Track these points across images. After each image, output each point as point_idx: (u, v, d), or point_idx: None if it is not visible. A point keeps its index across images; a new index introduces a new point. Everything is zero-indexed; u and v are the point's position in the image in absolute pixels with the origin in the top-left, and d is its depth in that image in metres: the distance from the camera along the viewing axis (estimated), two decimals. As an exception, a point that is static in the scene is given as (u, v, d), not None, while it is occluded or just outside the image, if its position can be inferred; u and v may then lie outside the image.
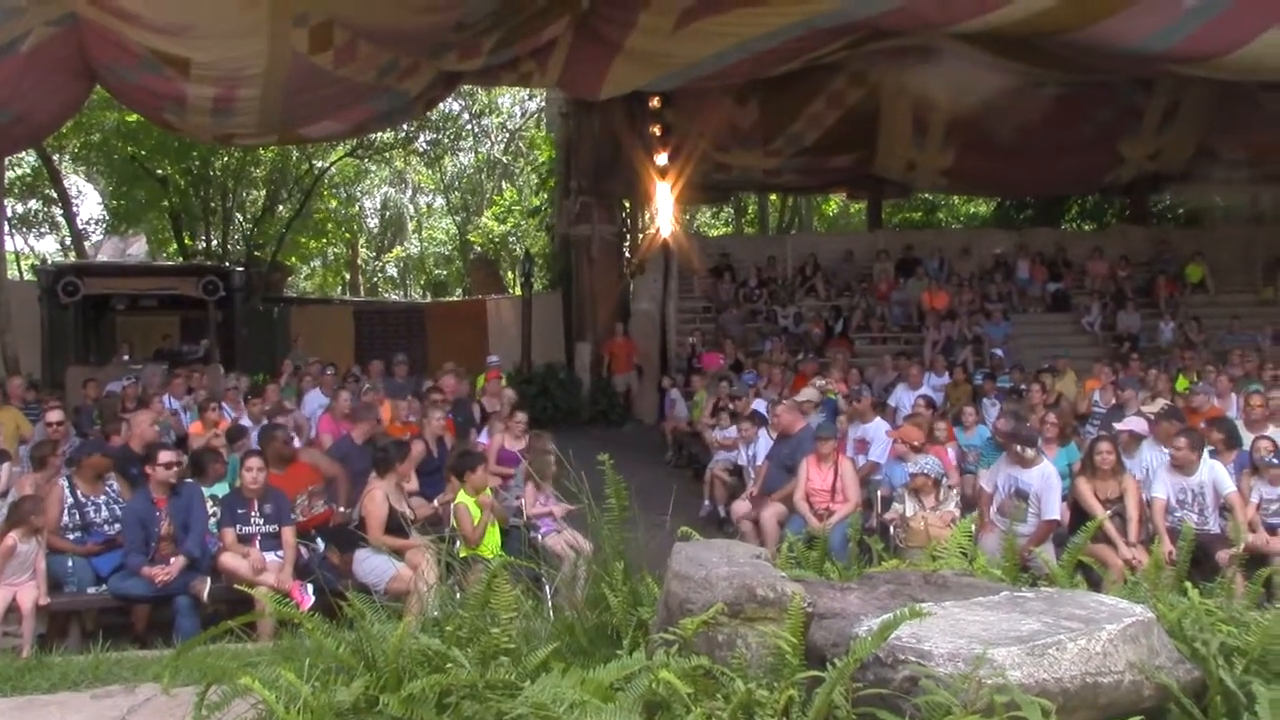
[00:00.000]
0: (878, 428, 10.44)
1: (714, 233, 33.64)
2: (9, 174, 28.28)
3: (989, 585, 4.06)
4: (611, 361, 19.31)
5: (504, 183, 40.25)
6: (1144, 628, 3.36)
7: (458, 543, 7.14)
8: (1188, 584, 4.04)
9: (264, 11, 12.12)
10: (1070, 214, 29.44)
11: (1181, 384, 13.23)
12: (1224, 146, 21.65)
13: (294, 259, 35.69)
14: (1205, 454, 8.22)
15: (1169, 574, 4.72)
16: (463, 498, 7.64)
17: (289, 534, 7.54)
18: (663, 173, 19.36)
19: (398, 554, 7.28)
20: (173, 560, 7.13)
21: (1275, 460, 8.18)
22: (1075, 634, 3.23)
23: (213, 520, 7.68)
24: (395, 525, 7.46)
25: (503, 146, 40.04)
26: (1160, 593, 4.09)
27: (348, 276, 42.45)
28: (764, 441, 10.55)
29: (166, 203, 28.81)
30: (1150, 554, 5.82)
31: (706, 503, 11.44)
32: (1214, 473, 8.07)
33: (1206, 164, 22.33)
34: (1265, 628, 3.58)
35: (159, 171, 27.56)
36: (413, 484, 8.81)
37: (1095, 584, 5.25)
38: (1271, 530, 7.83)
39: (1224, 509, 8.00)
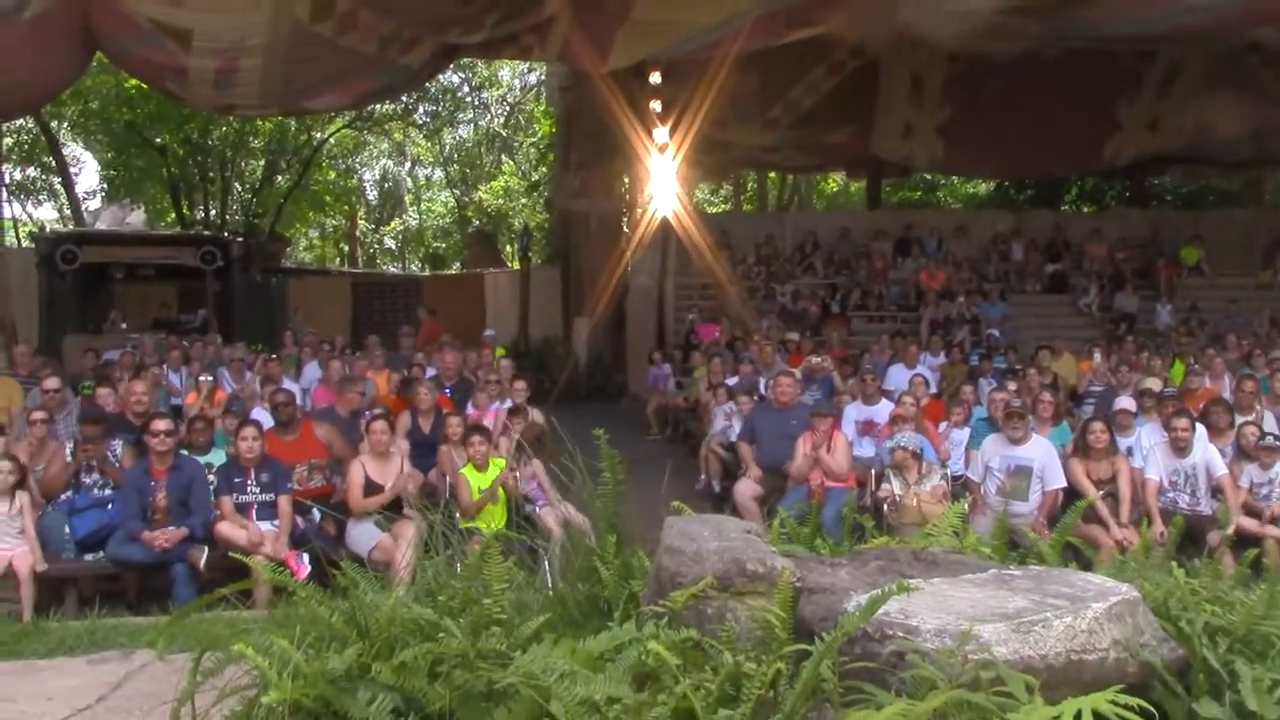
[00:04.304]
0: (884, 409, 10.24)
1: (712, 210, 33.53)
2: (6, 140, 28.21)
3: (978, 563, 4.09)
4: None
5: (503, 156, 40.09)
6: (1129, 606, 3.39)
7: (457, 514, 7.20)
8: (1174, 564, 4.06)
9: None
10: (1070, 195, 29.37)
11: (1178, 368, 13.23)
12: (1223, 124, 21.37)
13: (292, 230, 35.60)
14: (1200, 435, 8.26)
15: (1158, 555, 4.75)
16: (466, 470, 7.70)
17: (285, 503, 7.54)
18: (662, 148, 19.30)
19: (384, 524, 7.35)
20: (173, 530, 7.13)
21: (1271, 441, 8.21)
22: (1061, 611, 3.26)
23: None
24: (374, 495, 7.57)
25: (502, 120, 39.87)
26: (1147, 572, 4.12)
27: (346, 248, 42.32)
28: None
29: (165, 172, 28.71)
30: (1141, 535, 5.87)
31: (703, 477, 11.41)
32: (1208, 454, 8.09)
33: (1205, 143, 22.05)
34: (1249, 608, 3.61)
35: (157, 140, 27.45)
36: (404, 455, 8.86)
37: (1086, 565, 5.29)
38: (1260, 513, 7.86)
39: (1216, 491, 8.04)
